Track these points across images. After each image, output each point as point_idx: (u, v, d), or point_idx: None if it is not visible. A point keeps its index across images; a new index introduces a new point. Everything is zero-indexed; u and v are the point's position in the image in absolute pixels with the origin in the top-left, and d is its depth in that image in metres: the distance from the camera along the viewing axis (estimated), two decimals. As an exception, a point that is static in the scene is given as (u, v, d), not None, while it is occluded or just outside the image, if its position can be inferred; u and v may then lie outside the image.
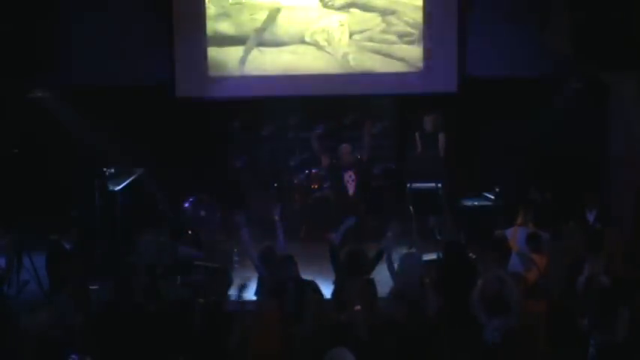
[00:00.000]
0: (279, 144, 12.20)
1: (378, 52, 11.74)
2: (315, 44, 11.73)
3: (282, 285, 6.85)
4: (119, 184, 10.09)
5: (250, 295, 7.15)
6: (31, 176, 10.71)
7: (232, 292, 7.30)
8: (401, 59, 11.73)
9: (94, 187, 9.69)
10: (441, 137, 10.50)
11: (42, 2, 10.94)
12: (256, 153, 12.09)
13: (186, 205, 10.91)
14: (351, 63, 11.74)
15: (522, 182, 10.62)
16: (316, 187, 11.13)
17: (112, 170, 10.31)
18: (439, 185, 10.34)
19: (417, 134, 10.68)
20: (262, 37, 11.70)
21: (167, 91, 11.52)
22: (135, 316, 6.46)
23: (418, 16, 11.59)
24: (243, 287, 6.87)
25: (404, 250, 7.82)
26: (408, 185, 10.65)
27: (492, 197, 10.58)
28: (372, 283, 6.74)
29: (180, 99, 11.60)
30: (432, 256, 9.13)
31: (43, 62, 10.91)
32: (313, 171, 11.24)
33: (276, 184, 11.54)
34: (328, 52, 11.74)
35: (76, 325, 6.38)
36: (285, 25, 11.68)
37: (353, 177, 8.93)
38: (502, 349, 5.95)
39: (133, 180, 10.39)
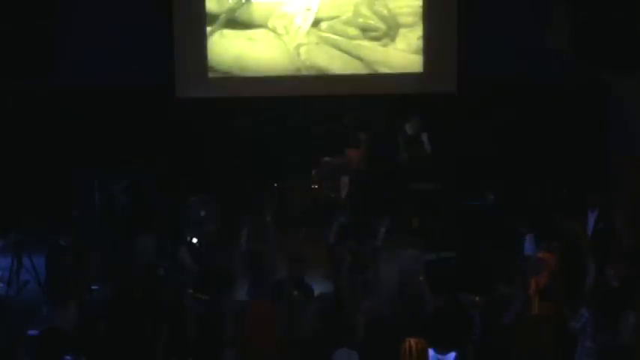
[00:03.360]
0: (279, 144, 12.18)
1: (335, 46, 11.16)
2: (274, 31, 11.20)
3: (279, 285, 6.87)
4: (119, 184, 10.08)
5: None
6: (31, 176, 10.70)
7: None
8: (357, 58, 11.21)
9: (94, 187, 9.69)
10: (424, 137, 10.48)
11: (42, 2, 10.93)
12: (256, 153, 12.07)
13: (187, 205, 10.89)
14: (302, 57, 11.25)
15: (522, 182, 10.61)
16: (316, 187, 11.11)
17: (112, 170, 10.31)
18: (439, 185, 10.34)
19: (399, 137, 10.65)
20: (232, 18, 11.25)
21: (167, 91, 11.52)
22: (134, 317, 6.46)
23: (394, 6, 10.94)
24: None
25: (407, 250, 7.80)
26: (409, 185, 10.64)
27: (492, 197, 10.57)
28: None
29: (180, 99, 11.60)
30: (432, 256, 9.14)
31: (43, 62, 10.90)
32: (313, 171, 11.23)
33: (276, 184, 11.53)
34: (283, 42, 11.22)
35: (76, 325, 6.39)
36: (254, 6, 11.17)
37: (347, 181, 8.98)
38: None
39: (132, 180, 10.39)
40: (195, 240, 8.98)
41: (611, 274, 6.78)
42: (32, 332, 6.89)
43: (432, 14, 11.42)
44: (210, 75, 11.64)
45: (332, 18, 11.22)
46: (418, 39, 11.29)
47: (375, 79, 11.61)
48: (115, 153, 10.87)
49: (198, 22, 11.53)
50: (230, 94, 11.68)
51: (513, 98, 11.05)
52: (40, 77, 10.97)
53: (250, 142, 12.11)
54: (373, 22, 11.24)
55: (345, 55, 11.30)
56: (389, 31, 11.27)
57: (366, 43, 11.26)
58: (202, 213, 11.11)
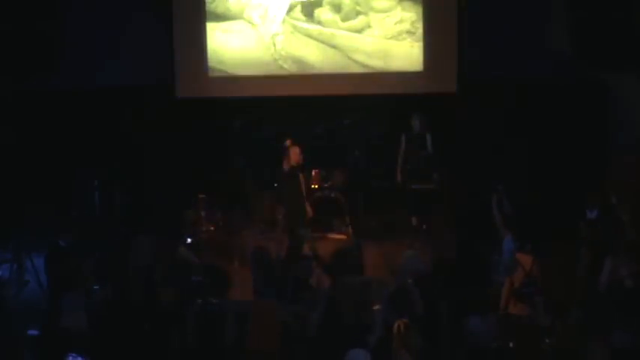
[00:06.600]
0: (279, 144, 12.17)
1: (310, 35, 11.09)
2: (250, 21, 11.20)
3: (284, 285, 6.89)
4: (118, 185, 10.10)
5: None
6: (31, 176, 10.71)
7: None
8: (332, 46, 11.15)
9: (94, 187, 9.70)
10: (429, 138, 10.49)
11: (42, 2, 10.94)
12: (256, 153, 12.08)
13: (186, 205, 10.91)
14: (277, 47, 11.21)
15: (522, 182, 10.61)
16: (316, 187, 11.13)
17: (112, 170, 10.33)
18: (439, 185, 10.35)
19: (403, 135, 10.65)
20: (210, 11, 11.24)
21: (167, 91, 11.52)
22: (134, 317, 6.47)
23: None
24: None
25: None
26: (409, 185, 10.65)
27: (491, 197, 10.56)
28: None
29: (180, 99, 11.60)
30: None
31: (43, 62, 10.91)
32: (313, 171, 11.24)
33: (276, 184, 11.53)
34: (260, 32, 11.19)
35: (76, 325, 6.41)
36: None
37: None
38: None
39: (132, 180, 10.40)
40: (194, 240, 9.00)
41: (624, 274, 6.78)
42: (32, 332, 6.90)
43: (432, 14, 11.43)
44: (211, 75, 11.62)
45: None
46: (395, 24, 11.22)
47: (375, 78, 11.60)
48: (114, 153, 10.88)
49: (198, 21, 11.53)
50: (230, 94, 11.68)
51: (513, 98, 11.04)
52: (40, 77, 10.99)
53: (250, 142, 12.13)
54: (347, 7, 11.16)
55: (320, 44, 11.23)
56: (363, 16, 11.20)
57: (340, 30, 11.19)
58: (202, 213, 11.15)
